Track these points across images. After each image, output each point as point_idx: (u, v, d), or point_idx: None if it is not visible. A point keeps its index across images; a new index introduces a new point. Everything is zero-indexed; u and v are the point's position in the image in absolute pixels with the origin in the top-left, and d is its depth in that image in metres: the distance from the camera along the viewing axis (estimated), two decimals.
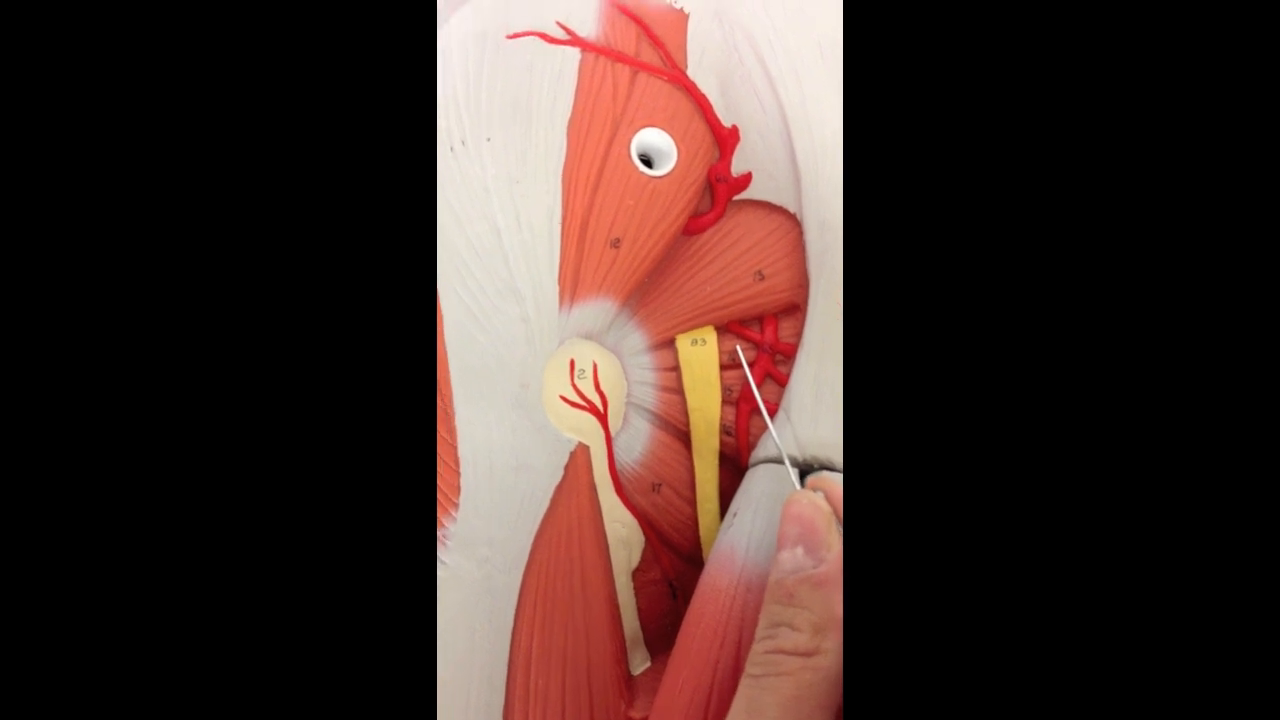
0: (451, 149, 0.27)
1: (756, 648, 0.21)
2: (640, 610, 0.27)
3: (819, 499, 0.22)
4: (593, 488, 0.26)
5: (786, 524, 0.22)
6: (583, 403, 0.27)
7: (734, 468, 0.28)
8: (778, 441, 0.26)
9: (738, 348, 0.28)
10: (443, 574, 0.25)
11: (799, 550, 0.21)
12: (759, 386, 0.28)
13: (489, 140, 0.27)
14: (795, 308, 0.28)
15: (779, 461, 0.26)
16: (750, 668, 0.20)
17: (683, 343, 0.28)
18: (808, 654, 0.20)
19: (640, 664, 0.27)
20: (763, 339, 0.28)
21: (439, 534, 0.25)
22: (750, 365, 0.28)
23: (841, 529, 0.21)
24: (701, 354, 0.28)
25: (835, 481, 0.23)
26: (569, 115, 0.27)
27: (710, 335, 0.28)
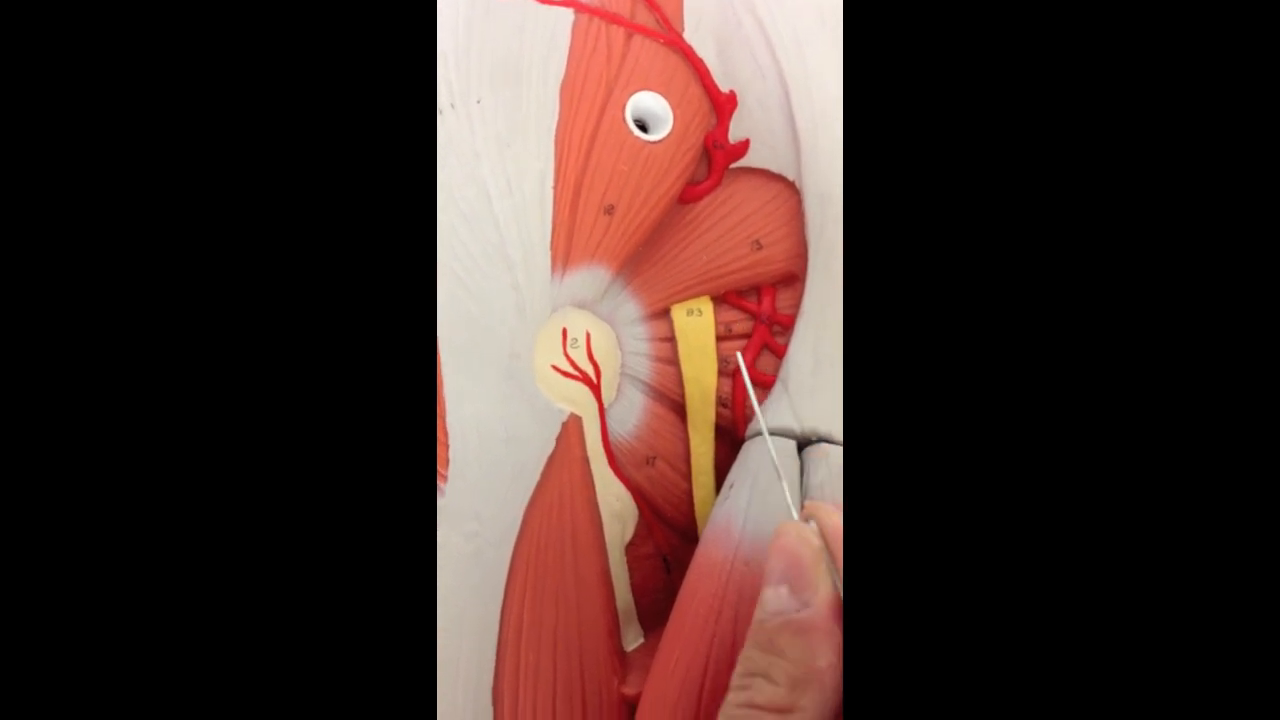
0: (441, 112, 0.26)
1: (729, 699, 0.19)
2: (634, 585, 0.26)
3: (809, 532, 0.20)
4: (585, 460, 0.25)
5: (773, 558, 0.20)
6: (575, 373, 0.26)
7: (730, 440, 0.27)
8: (768, 439, 0.25)
9: (738, 355, 0.27)
10: None
11: (784, 589, 0.19)
12: (756, 358, 0.27)
13: (479, 103, 0.26)
14: (793, 278, 0.28)
15: (777, 433, 0.26)
16: None
17: (678, 313, 0.27)
18: (783, 710, 0.18)
19: (634, 640, 0.26)
20: (760, 310, 0.27)
21: None
22: (747, 338, 0.27)
23: (834, 567, 0.19)
24: (697, 324, 0.27)
25: (831, 513, 0.21)
26: (561, 77, 0.27)
27: (706, 305, 0.27)
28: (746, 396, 0.27)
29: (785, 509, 0.24)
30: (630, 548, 0.26)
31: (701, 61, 0.28)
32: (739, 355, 0.27)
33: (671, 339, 0.27)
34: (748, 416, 0.27)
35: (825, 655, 0.18)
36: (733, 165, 0.28)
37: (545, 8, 0.27)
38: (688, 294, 0.27)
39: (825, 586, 0.19)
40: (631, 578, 0.26)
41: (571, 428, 0.25)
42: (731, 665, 0.22)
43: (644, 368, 0.27)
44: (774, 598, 0.19)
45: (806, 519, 0.21)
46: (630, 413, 0.27)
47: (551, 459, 0.25)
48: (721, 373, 0.27)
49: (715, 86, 0.28)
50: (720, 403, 0.27)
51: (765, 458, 0.25)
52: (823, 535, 0.20)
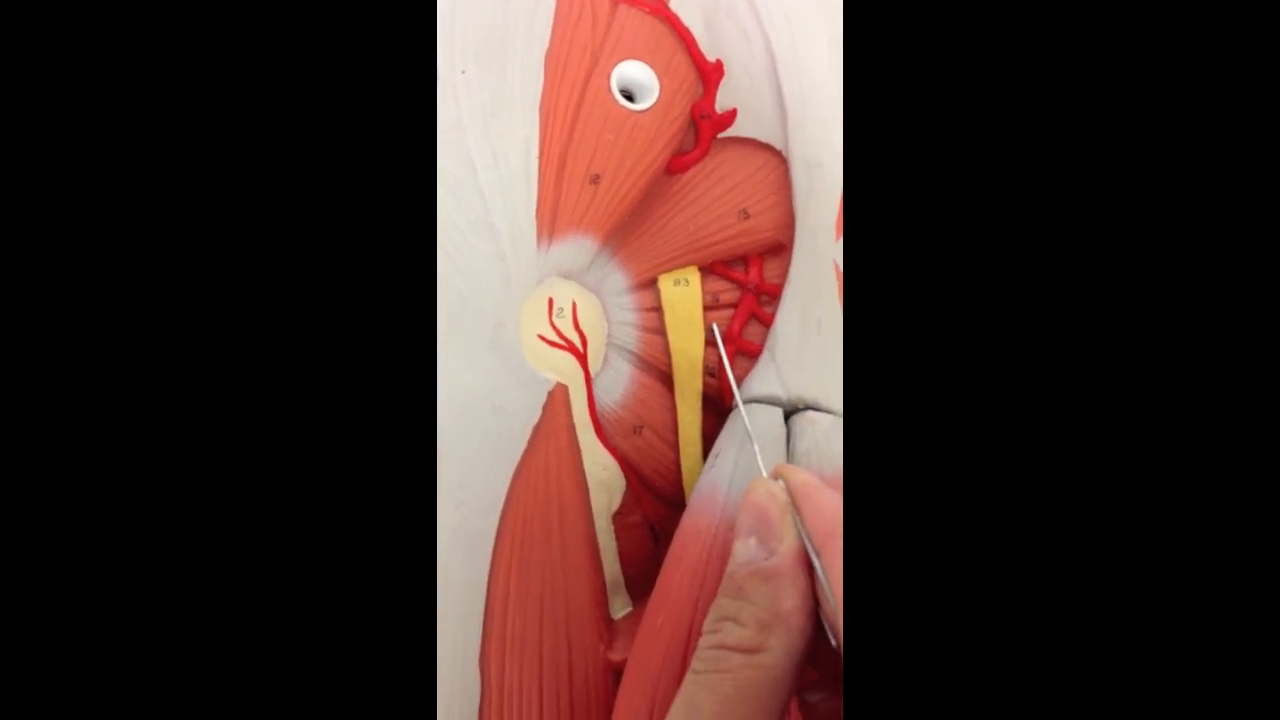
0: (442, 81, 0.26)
1: (702, 643, 0.20)
2: (621, 554, 0.26)
3: (777, 488, 0.21)
4: (572, 429, 0.25)
5: (743, 513, 0.21)
6: (561, 342, 0.26)
7: (717, 410, 0.27)
8: (741, 409, 0.25)
9: (714, 326, 0.27)
10: None
11: (752, 541, 0.20)
12: (743, 327, 0.27)
13: (463, 73, 0.26)
14: (781, 247, 0.28)
15: (764, 401, 0.25)
16: (694, 663, 0.20)
17: (665, 283, 0.27)
18: (751, 650, 0.19)
19: (621, 608, 0.26)
20: (747, 279, 0.27)
21: None
22: (734, 307, 0.27)
23: (800, 521, 0.20)
24: (684, 294, 0.27)
25: (798, 471, 0.22)
26: (546, 47, 0.27)
27: (693, 275, 0.27)
28: (732, 366, 0.27)
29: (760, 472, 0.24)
30: (618, 517, 0.26)
31: (688, 30, 0.28)
32: (714, 327, 0.26)
33: (659, 309, 0.27)
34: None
35: (791, 598, 0.19)
36: (720, 135, 0.28)
37: None
38: (675, 264, 0.27)
39: (791, 537, 0.20)
40: (619, 547, 0.26)
41: (558, 397, 0.25)
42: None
43: (631, 337, 0.27)
44: (743, 549, 0.20)
45: (775, 477, 0.22)
46: (617, 382, 0.27)
47: (538, 428, 0.25)
48: (709, 342, 0.27)
49: (702, 56, 0.28)
50: (707, 372, 0.27)
51: (752, 425, 0.25)
52: (790, 492, 0.21)
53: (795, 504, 0.21)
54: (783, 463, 0.24)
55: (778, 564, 0.20)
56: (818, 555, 0.20)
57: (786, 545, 0.20)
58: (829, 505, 0.20)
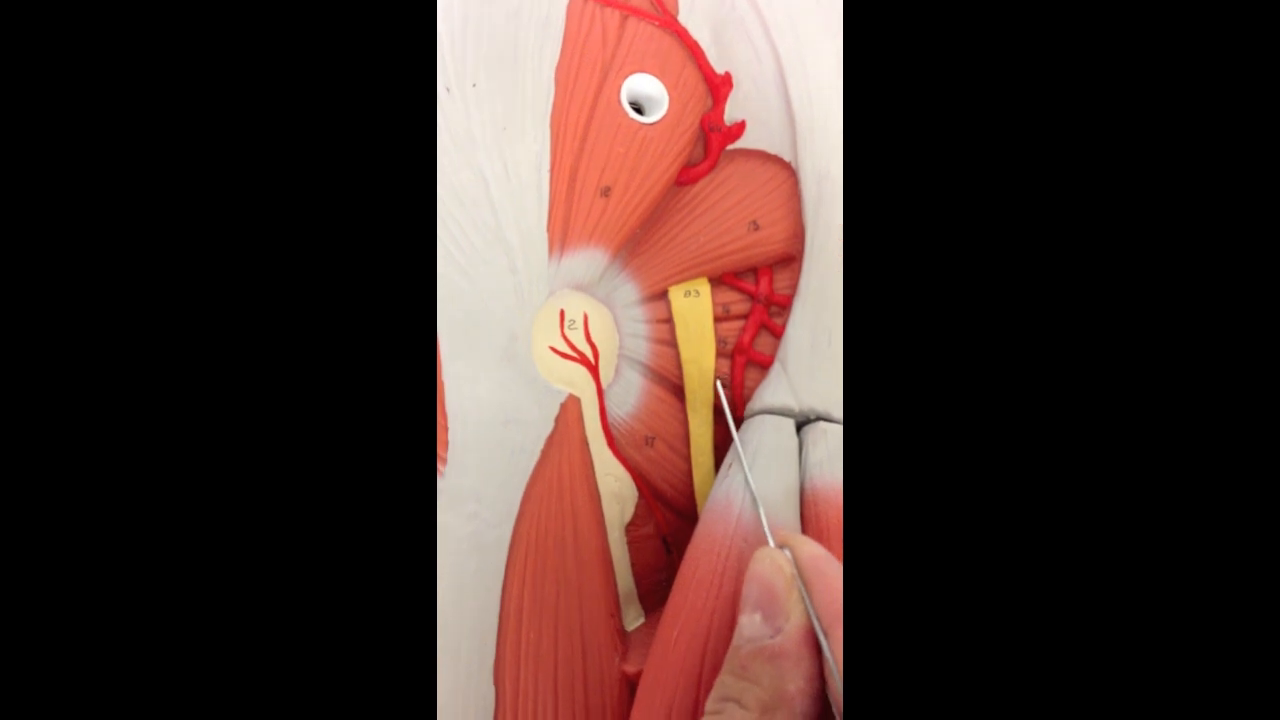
0: (447, 89, 0.26)
1: None
2: (634, 565, 0.26)
3: (783, 560, 0.20)
4: (584, 440, 0.26)
5: (748, 585, 0.20)
6: (573, 354, 0.26)
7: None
8: (750, 478, 0.24)
9: (717, 383, 0.27)
10: None
11: (757, 616, 0.20)
12: (754, 339, 0.27)
13: (475, 86, 0.26)
14: (791, 258, 0.28)
15: (776, 413, 0.26)
16: None
17: (675, 294, 0.27)
18: None
19: (634, 620, 0.26)
20: (757, 290, 0.27)
21: None
22: (744, 318, 0.27)
23: (806, 595, 0.20)
24: (695, 306, 0.27)
25: (806, 542, 0.21)
26: (556, 61, 0.27)
27: (704, 287, 0.27)
28: (744, 377, 0.27)
29: (787, 489, 0.24)
30: (630, 528, 0.26)
31: (696, 44, 0.28)
32: (718, 383, 0.26)
33: (669, 320, 0.27)
34: (746, 396, 0.27)
35: (795, 680, 0.19)
36: (729, 147, 0.28)
37: None
38: (685, 275, 0.27)
39: (797, 614, 0.19)
40: (632, 558, 0.26)
41: (570, 409, 0.25)
42: (731, 641, 0.22)
43: (642, 349, 0.27)
44: (748, 625, 0.20)
45: (781, 546, 0.21)
46: (629, 394, 0.27)
47: (550, 440, 0.25)
48: (720, 353, 0.27)
49: (710, 68, 0.28)
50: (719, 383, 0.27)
51: (764, 436, 0.25)
52: (798, 565, 0.20)
53: (803, 578, 0.20)
54: (794, 533, 0.23)
55: (783, 643, 0.19)
56: (825, 635, 0.19)
57: (793, 623, 0.19)
58: (838, 581, 0.20)
